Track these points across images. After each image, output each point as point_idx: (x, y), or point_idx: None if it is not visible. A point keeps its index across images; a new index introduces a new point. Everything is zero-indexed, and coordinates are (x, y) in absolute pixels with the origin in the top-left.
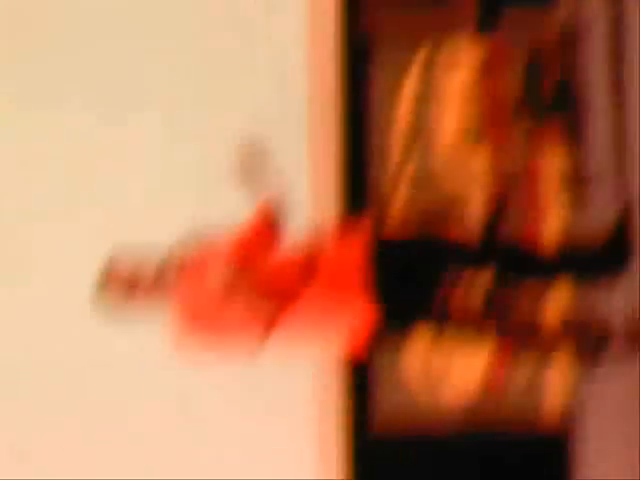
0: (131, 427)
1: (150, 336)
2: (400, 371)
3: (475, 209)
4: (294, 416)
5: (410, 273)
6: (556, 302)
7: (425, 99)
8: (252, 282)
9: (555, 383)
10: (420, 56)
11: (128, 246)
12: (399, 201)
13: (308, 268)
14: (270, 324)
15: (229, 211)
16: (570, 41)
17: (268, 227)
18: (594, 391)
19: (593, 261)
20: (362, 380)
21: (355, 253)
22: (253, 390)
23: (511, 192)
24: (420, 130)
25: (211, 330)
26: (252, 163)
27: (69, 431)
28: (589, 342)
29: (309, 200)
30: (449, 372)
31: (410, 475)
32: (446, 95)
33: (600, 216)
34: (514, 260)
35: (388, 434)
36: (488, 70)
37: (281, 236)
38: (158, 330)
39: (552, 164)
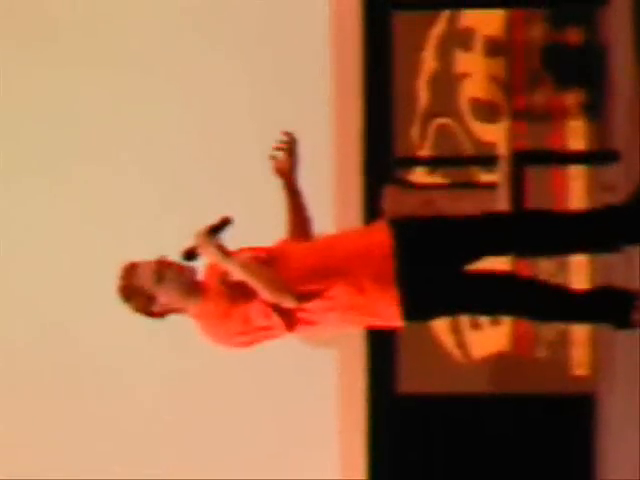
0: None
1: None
2: (428, 331)
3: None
4: (319, 377)
5: (432, 250)
6: (581, 268)
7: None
8: (278, 277)
9: (582, 343)
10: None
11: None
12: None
13: (330, 261)
14: (295, 321)
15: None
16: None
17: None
18: (621, 352)
19: (616, 232)
20: (389, 340)
21: (379, 242)
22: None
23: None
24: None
25: (239, 328)
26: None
27: None
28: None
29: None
30: (477, 330)
31: (436, 435)
32: (463, 69)
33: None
34: (538, 230)
35: (415, 394)
36: (507, 39)
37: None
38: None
39: (572, 137)
